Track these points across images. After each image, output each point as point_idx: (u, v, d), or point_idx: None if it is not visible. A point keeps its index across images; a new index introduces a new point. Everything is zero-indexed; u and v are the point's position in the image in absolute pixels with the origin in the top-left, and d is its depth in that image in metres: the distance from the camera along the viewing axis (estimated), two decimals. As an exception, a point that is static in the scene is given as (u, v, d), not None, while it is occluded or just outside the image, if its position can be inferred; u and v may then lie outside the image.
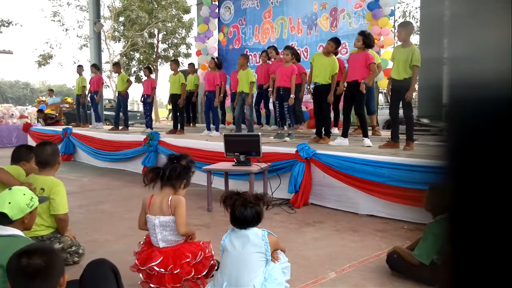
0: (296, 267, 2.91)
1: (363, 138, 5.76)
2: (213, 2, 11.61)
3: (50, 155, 3.08)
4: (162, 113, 29.35)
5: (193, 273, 2.42)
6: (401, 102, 5.13)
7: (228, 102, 9.90)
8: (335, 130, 7.39)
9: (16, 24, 23.55)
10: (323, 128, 6.31)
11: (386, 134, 6.78)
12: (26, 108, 16.28)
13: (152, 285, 2.41)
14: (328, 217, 4.54)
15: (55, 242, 3.01)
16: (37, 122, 14.60)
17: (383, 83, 8.37)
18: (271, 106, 8.81)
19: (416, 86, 5.37)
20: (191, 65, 10.23)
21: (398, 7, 19.39)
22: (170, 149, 6.76)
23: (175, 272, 2.39)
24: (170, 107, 9.12)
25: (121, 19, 23.15)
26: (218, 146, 5.72)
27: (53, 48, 23.69)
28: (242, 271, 2.25)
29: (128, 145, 7.86)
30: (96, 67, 10.99)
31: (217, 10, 11.61)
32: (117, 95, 10.62)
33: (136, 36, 22.03)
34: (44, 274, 1.52)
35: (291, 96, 6.45)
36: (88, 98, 10.76)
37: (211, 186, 4.86)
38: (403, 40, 5.14)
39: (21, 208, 2.10)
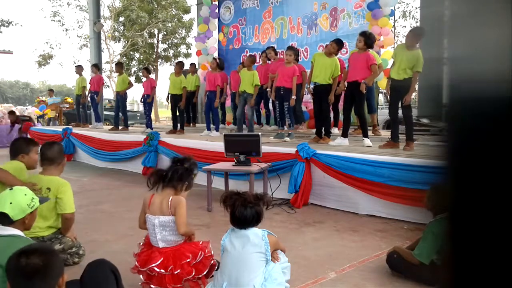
0: (296, 267, 2.91)
1: (363, 138, 5.76)
2: (213, 2, 11.61)
3: (57, 153, 3.10)
4: (162, 113, 29.36)
5: (193, 273, 2.42)
6: (400, 102, 5.13)
7: (228, 102, 9.90)
8: (335, 130, 7.39)
9: (16, 24, 23.55)
10: (323, 128, 6.31)
11: (386, 134, 6.78)
12: (26, 108, 16.28)
13: (152, 286, 2.41)
14: (328, 217, 4.54)
15: (56, 243, 3.01)
16: (37, 122, 14.61)
17: (383, 83, 8.37)
18: (271, 106, 8.82)
19: (416, 87, 5.37)
20: (192, 65, 10.23)
21: (398, 7, 19.39)
22: (170, 149, 6.76)
23: (176, 272, 2.38)
24: (170, 106, 9.12)
25: (121, 19, 23.15)
26: (218, 146, 5.72)
27: (53, 48, 23.70)
28: (242, 271, 2.25)
29: (128, 145, 7.86)
30: (97, 67, 10.99)
31: (217, 10, 11.61)
32: (115, 95, 10.62)
33: (136, 36, 22.03)
34: (43, 274, 1.52)
35: (293, 97, 6.45)
36: (88, 98, 10.76)
37: (211, 186, 4.86)
38: (409, 45, 5.05)
39: (22, 208, 2.10)
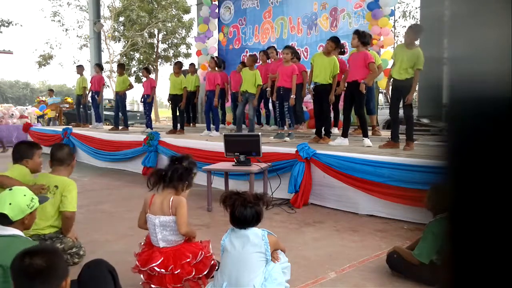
0: (296, 267, 2.91)
1: (363, 138, 5.77)
2: (213, 2, 11.61)
3: (66, 155, 3.16)
4: (162, 113, 29.35)
5: (193, 273, 2.42)
6: (401, 102, 5.14)
7: (228, 102, 9.90)
8: (335, 130, 7.39)
9: (16, 24, 23.56)
10: (323, 128, 6.32)
11: (386, 134, 6.78)
12: (26, 108, 16.27)
13: (153, 286, 2.41)
14: (328, 217, 4.54)
15: (57, 242, 3.01)
16: (37, 122, 14.61)
17: (383, 83, 8.37)
18: (271, 106, 8.82)
19: (416, 87, 5.37)
20: (192, 65, 10.23)
21: (398, 7, 19.40)
22: (170, 149, 6.76)
23: (176, 272, 2.38)
24: (170, 106, 9.13)
25: (121, 19, 23.14)
26: (218, 146, 5.72)
27: (53, 48, 23.69)
28: (242, 271, 2.25)
29: (128, 145, 7.86)
30: (100, 67, 10.97)
31: (217, 10, 11.61)
32: (115, 95, 10.62)
33: (136, 36, 22.03)
34: (46, 275, 1.52)
35: (292, 96, 6.45)
36: (89, 98, 10.76)
37: (211, 186, 4.86)
38: (408, 43, 5.08)
39: (22, 209, 2.10)
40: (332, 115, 6.97)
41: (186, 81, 8.86)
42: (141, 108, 13.48)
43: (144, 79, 9.81)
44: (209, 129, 8.00)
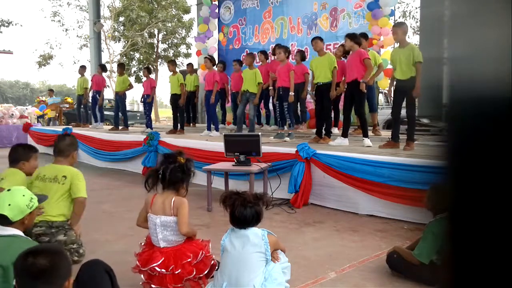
0: (296, 267, 2.91)
1: (363, 138, 5.77)
2: (213, 2, 11.61)
3: (68, 145, 3.19)
4: (162, 113, 29.34)
5: (194, 273, 2.42)
6: (404, 102, 5.14)
7: (228, 102, 9.90)
8: (335, 130, 7.39)
9: (16, 24, 23.55)
10: (324, 128, 6.33)
11: (386, 134, 6.78)
12: (26, 108, 16.27)
13: (153, 286, 2.41)
14: (328, 217, 4.54)
15: (61, 232, 3.03)
16: (37, 122, 14.61)
17: (383, 83, 8.37)
18: (271, 106, 8.82)
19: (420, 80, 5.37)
20: (190, 65, 10.26)
21: (398, 7, 19.38)
22: (170, 149, 6.75)
23: (177, 272, 2.38)
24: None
25: (121, 19, 23.15)
26: (218, 146, 5.72)
27: (53, 49, 23.73)
28: (242, 271, 2.25)
29: (128, 145, 7.86)
30: (104, 68, 10.96)
31: (217, 10, 11.61)
32: (114, 95, 10.62)
33: (136, 36, 22.03)
34: (49, 275, 1.51)
35: (291, 93, 6.47)
36: (89, 98, 10.76)
37: (211, 186, 4.86)
38: (400, 41, 5.21)
39: (21, 209, 2.09)
40: (332, 115, 6.98)
41: (186, 81, 8.88)
42: (141, 108, 13.48)
43: (144, 79, 9.81)
44: (209, 129, 8.00)
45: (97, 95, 10.36)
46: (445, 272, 0.48)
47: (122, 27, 23.36)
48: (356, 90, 5.57)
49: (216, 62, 8.89)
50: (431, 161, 3.71)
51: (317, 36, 6.50)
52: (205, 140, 6.82)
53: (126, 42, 23.06)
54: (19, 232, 2.08)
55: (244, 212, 2.31)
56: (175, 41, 24.14)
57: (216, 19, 11.69)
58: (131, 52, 23.30)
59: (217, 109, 9.05)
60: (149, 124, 9.44)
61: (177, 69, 9.01)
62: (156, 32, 23.52)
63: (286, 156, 5.16)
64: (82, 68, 10.99)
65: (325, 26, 9.31)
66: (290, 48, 8.53)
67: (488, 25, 0.40)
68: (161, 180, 2.53)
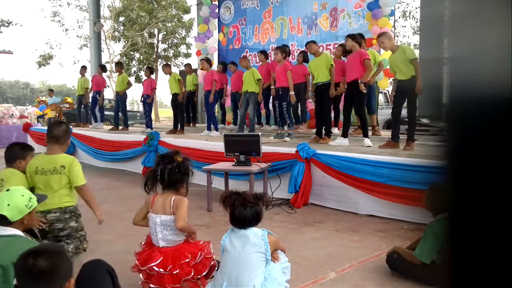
0: (296, 267, 2.91)
1: (363, 138, 5.77)
2: (213, 2, 11.61)
3: (63, 132, 3.22)
4: (162, 113, 29.35)
5: (192, 274, 2.41)
6: (405, 102, 5.15)
7: (228, 102, 9.91)
8: (335, 130, 7.39)
9: (16, 24, 23.57)
10: (324, 128, 6.33)
11: (386, 134, 6.78)
12: (26, 108, 16.27)
13: (152, 286, 2.41)
14: (328, 217, 4.54)
15: (73, 219, 3.15)
16: (37, 122, 14.61)
17: (383, 83, 8.37)
18: (271, 106, 8.82)
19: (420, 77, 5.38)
20: (188, 65, 10.30)
21: (398, 7, 19.39)
22: (170, 149, 6.75)
23: (175, 272, 2.38)
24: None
25: (121, 19, 23.15)
26: (218, 146, 5.72)
27: (53, 49, 23.77)
28: (242, 271, 2.25)
29: (128, 145, 7.86)
30: (104, 68, 10.97)
31: (217, 10, 11.61)
32: (115, 95, 10.63)
33: (136, 36, 22.03)
34: (49, 276, 1.51)
35: (291, 93, 6.48)
36: (90, 98, 10.76)
37: (211, 186, 4.86)
38: (390, 48, 5.30)
39: (20, 209, 2.09)
40: (332, 115, 6.99)
41: (185, 81, 8.93)
42: (141, 108, 13.47)
43: (145, 78, 9.82)
44: (209, 129, 8.00)
45: (97, 96, 10.36)
46: (445, 272, 0.48)
47: (122, 27, 23.36)
48: (356, 90, 5.57)
49: (216, 62, 8.93)
50: (431, 161, 3.71)
51: (310, 40, 6.62)
52: (205, 140, 6.82)
53: (126, 42, 23.06)
54: (19, 232, 2.08)
55: (244, 212, 2.31)
56: (175, 41, 24.15)
57: (216, 19, 11.69)
58: (131, 52, 23.30)
59: (216, 109, 9.07)
60: (149, 124, 9.44)
61: (177, 69, 9.03)
62: (156, 32, 23.53)
63: (286, 156, 5.16)
64: (83, 69, 11.00)
65: (325, 26, 9.31)
66: (290, 48, 8.54)
67: (488, 25, 0.40)
68: (160, 181, 2.53)
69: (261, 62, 8.78)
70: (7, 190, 2.17)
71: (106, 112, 12.88)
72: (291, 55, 8.31)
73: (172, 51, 24.28)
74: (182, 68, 18.92)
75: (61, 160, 3.13)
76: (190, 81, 9.63)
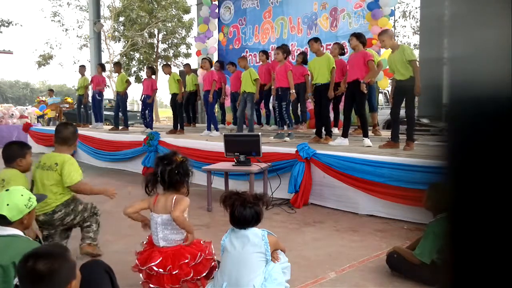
0: (296, 267, 2.91)
1: (363, 138, 5.77)
2: (213, 2, 11.60)
3: (71, 134, 3.26)
4: (162, 113, 29.35)
5: (192, 274, 2.41)
6: (404, 102, 5.15)
7: (228, 102, 9.91)
8: (335, 130, 7.39)
9: (16, 24, 23.58)
10: (324, 128, 6.33)
11: (386, 134, 6.78)
12: (26, 108, 16.26)
13: (151, 286, 2.41)
14: (328, 217, 4.54)
15: (77, 204, 3.22)
16: (37, 122, 14.60)
17: (383, 83, 8.36)
18: (271, 106, 8.82)
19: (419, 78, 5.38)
20: (187, 65, 10.30)
21: (398, 7, 19.39)
22: (170, 149, 6.75)
23: (174, 273, 2.38)
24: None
25: (121, 19, 23.15)
26: (218, 146, 5.72)
27: (53, 48, 23.74)
28: (242, 271, 2.25)
29: (128, 145, 7.86)
30: (103, 67, 10.97)
31: (217, 10, 11.61)
32: (115, 95, 10.64)
33: (136, 36, 22.03)
34: (48, 280, 1.50)
35: (291, 91, 6.48)
36: (90, 98, 10.76)
37: (211, 186, 4.86)
38: (390, 46, 5.28)
39: (20, 209, 2.09)
40: (332, 115, 6.99)
41: (186, 82, 8.94)
42: (141, 108, 13.48)
43: (145, 77, 9.82)
44: (209, 129, 8.00)
45: (97, 95, 10.36)
46: (445, 272, 0.48)
47: (122, 27, 23.36)
48: (357, 90, 5.57)
49: (211, 64, 8.96)
50: (431, 161, 3.71)
51: (312, 38, 6.48)
52: (205, 140, 6.82)
53: (126, 42, 23.07)
54: (19, 232, 2.07)
55: (243, 212, 2.31)
56: (175, 41, 24.15)
57: (216, 19, 11.69)
58: (131, 52, 23.30)
59: (216, 109, 9.06)
60: (149, 124, 9.44)
61: (177, 69, 9.04)
62: (156, 32, 23.53)
63: (286, 156, 5.16)
64: (82, 68, 11.00)
65: (325, 26, 9.30)
66: (290, 48, 8.54)
67: (488, 25, 0.40)
68: (161, 183, 2.53)
69: (261, 62, 8.79)
70: (7, 190, 2.17)
71: (106, 112, 12.89)
72: (291, 55, 8.30)
73: (172, 51, 24.29)
74: (182, 68, 18.93)
75: (57, 158, 3.16)
76: (190, 81, 9.62)
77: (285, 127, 6.80)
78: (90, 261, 2.19)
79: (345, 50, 7.85)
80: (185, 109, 9.61)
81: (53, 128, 11.14)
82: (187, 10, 23.34)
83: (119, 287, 2.19)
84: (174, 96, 8.68)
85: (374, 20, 8.05)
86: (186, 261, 2.41)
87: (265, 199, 2.42)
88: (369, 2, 8.14)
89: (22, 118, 13.55)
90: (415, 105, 5.43)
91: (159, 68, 23.94)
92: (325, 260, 3.23)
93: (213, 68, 8.55)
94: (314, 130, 6.84)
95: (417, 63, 4.99)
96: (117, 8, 22.61)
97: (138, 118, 16.89)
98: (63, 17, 36.78)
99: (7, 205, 2.05)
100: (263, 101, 9.18)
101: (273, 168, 5.15)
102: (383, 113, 10.35)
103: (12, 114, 13.33)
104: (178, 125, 8.65)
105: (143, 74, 20.62)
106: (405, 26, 21.42)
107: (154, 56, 23.76)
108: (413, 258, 2.75)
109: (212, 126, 8.08)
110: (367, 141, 5.64)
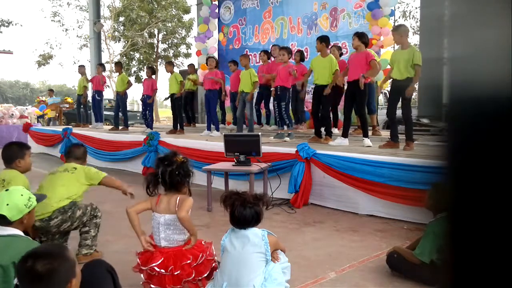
0: (296, 267, 2.91)
1: (363, 138, 5.77)
2: (213, 2, 11.60)
3: (83, 153, 3.54)
4: (162, 113, 29.36)
5: (193, 275, 2.41)
6: (400, 102, 5.14)
7: (228, 102, 9.91)
8: (334, 131, 7.39)
9: (16, 24, 23.58)
10: (324, 128, 6.33)
11: (386, 134, 6.77)
12: (26, 108, 16.26)
13: (152, 286, 2.41)
14: (328, 217, 4.54)
15: (75, 210, 3.21)
16: (37, 122, 14.60)
17: (383, 84, 8.35)
18: (271, 106, 8.82)
19: (416, 86, 5.37)
20: (191, 65, 10.30)
21: (398, 7, 19.38)
22: (170, 149, 6.75)
23: (176, 273, 2.38)
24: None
25: (121, 19, 23.15)
26: (218, 146, 5.72)
27: (53, 48, 23.74)
28: (242, 271, 2.25)
29: (128, 145, 7.86)
30: (104, 67, 10.97)
31: (217, 10, 11.61)
32: (115, 95, 10.64)
33: (136, 36, 22.03)
34: (47, 280, 1.50)
35: (298, 83, 6.40)
36: (89, 98, 10.76)
37: (211, 186, 4.86)
38: (401, 43, 5.21)
39: (20, 209, 2.09)
40: (331, 115, 6.98)
41: (186, 82, 8.93)
42: (141, 108, 13.48)
43: (145, 77, 9.82)
44: (209, 129, 8.00)
45: (97, 95, 10.36)
46: (445, 272, 0.48)
47: (122, 27, 23.36)
48: (357, 90, 5.57)
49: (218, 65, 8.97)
50: (431, 161, 3.71)
51: (319, 37, 6.39)
52: (205, 140, 6.82)
53: (126, 42, 23.06)
54: (19, 232, 2.07)
55: (243, 212, 2.31)
56: (175, 41, 24.14)
57: (216, 19, 11.69)
58: (131, 52, 23.30)
59: (217, 109, 9.05)
60: (149, 124, 9.44)
61: (177, 69, 9.02)
62: (156, 32, 23.53)
63: (286, 156, 5.16)
64: (82, 68, 10.99)
65: (325, 26, 9.30)
66: (291, 48, 8.54)
67: (488, 25, 0.40)
68: (162, 183, 2.54)
69: (262, 62, 8.78)
70: (6, 190, 2.17)
71: (106, 112, 12.90)
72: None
73: (172, 51, 24.28)
74: (182, 68, 18.94)
75: (75, 165, 3.36)
76: (189, 81, 9.63)
77: (285, 127, 6.80)
78: (93, 260, 2.20)
79: (346, 50, 7.86)
80: (184, 109, 9.61)
81: (53, 128, 11.19)
82: (187, 10, 23.34)
83: (121, 287, 2.19)
84: (173, 95, 8.65)
85: (374, 20, 8.06)
86: (188, 261, 2.41)
87: (265, 199, 2.42)
88: (369, 2, 8.14)
89: (22, 118, 13.55)
90: (414, 105, 5.43)
91: (159, 68, 24.03)
92: (325, 260, 3.23)
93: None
94: (314, 130, 6.84)
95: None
96: (117, 8, 22.61)
97: (138, 118, 16.92)
98: (63, 17, 36.81)
99: (7, 205, 2.05)
100: (263, 101, 9.18)
101: (273, 168, 5.15)
102: (383, 113, 10.35)
103: (12, 114, 13.33)
104: (178, 125, 8.64)
105: (143, 74, 20.63)
106: (405, 26, 21.32)
107: (154, 56, 23.76)
108: (413, 258, 2.75)
109: (212, 126, 8.08)
110: (367, 141, 5.64)
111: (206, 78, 8.02)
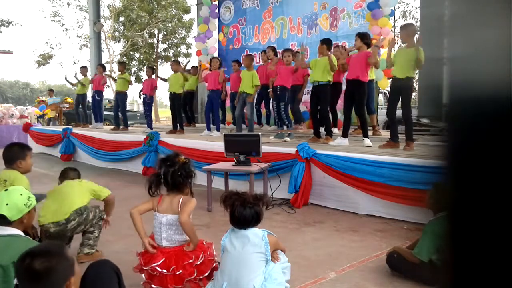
0: (296, 267, 2.91)
1: (363, 138, 5.77)
2: (213, 2, 11.60)
3: (77, 175, 3.60)
4: (162, 113, 29.35)
5: (195, 274, 2.41)
6: (399, 102, 5.14)
7: (228, 102, 9.90)
8: (334, 131, 7.39)
9: (16, 24, 23.58)
10: (324, 128, 6.33)
11: (386, 134, 6.77)
12: (26, 108, 16.26)
13: (154, 286, 2.41)
14: (328, 217, 4.54)
15: (88, 213, 3.26)
16: (37, 122, 14.60)
17: (383, 83, 8.36)
18: (271, 106, 8.82)
19: (416, 86, 5.37)
20: (195, 67, 10.34)
21: (398, 7, 19.38)
22: (170, 149, 6.75)
23: (177, 273, 2.38)
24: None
25: (121, 19, 23.15)
26: (218, 146, 5.72)
27: (53, 48, 23.77)
28: (242, 271, 2.25)
29: (128, 145, 7.86)
30: (104, 67, 10.98)
31: (217, 10, 11.60)
32: (115, 95, 10.63)
33: (136, 36, 22.03)
34: (45, 278, 1.50)
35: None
36: (89, 98, 10.76)
37: (211, 186, 4.86)
38: (406, 41, 5.19)
39: (19, 208, 2.09)
40: (330, 115, 6.98)
41: (188, 82, 8.93)
42: (141, 108, 13.48)
43: (145, 77, 9.83)
44: (209, 129, 8.00)
45: (97, 95, 10.35)
46: (445, 272, 0.48)
47: (122, 27, 23.36)
48: (357, 89, 5.57)
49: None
50: (431, 161, 3.71)
51: (321, 39, 6.44)
52: (205, 140, 6.82)
53: (126, 42, 23.06)
54: (19, 232, 2.07)
55: (243, 212, 2.31)
56: (175, 41, 24.14)
57: (216, 19, 11.69)
58: (131, 52, 23.30)
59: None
60: (149, 124, 9.44)
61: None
62: (156, 32, 23.52)
63: (286, 156, 5.16)
64: (84, 69, 10.99)
65: (325, 26, 9.30)
66: (290, 48, 8.55)
67: (488, 25, 0.40)
68: (164, 184, 2.54)
69: (262, 62, 8.78)
70: (6, 190, 2.17)
71: (106, 112, 12.89)
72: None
73: (172, 51, 24.28)
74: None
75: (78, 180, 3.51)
76: (193, 81, 9.65)
77: (285, 127, 6.80)
78: (98, 260, 2.21)
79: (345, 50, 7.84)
80: (184, 109, 9.61)
81: (53, 128, 11.18)
82: (187, 10, 23.34)
83: (125, 287, 2.19)
84: (172, 95, 8.62)
85: (374, 20, 8.05)
86: (190, 261, 2.41)
87: (265, 199, 2.42)
88: (369, 2, 8.14)
89: (22, 118, 13.55)
90: (414, 105, 5.43)
91: (159, 68, 24.03)
92: (325, 260, 3.23)
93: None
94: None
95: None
96: (117, 8, 22.61)
97: (138, 118, 16.92)
98: (63, 17, 36.80)
99: (7, 204, 2.05)
100: (263, 101, 9.17)
101: (273, 168, 5.15)
102: (383, 113, 10.35)
103: (12, 114, 13.33)
104: (178, 125, 8.64)
105: (143, 74, 20.63)
106: (405, 26, 21.33)
107: (154, 56, 23.76)
108: (413, 258, 2.74)
109: (213, 126, 8.07)
110: (367, 141, 5.64)
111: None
